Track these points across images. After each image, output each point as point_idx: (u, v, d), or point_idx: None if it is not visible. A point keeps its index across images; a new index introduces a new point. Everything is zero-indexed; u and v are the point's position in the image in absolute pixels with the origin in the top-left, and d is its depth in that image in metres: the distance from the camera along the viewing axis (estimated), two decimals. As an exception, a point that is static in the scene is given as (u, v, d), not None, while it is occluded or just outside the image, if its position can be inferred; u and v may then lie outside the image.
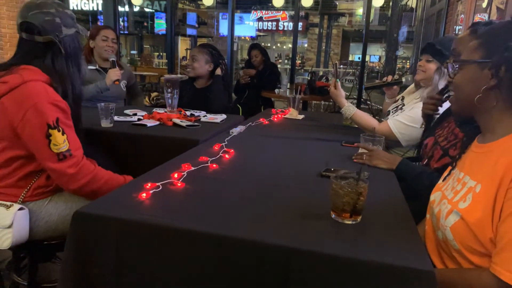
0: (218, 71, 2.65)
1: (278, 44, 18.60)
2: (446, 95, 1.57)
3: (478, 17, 4.71)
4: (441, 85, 1.82)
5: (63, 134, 1.29)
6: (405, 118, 1.85)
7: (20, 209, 1.29)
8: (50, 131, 1.26)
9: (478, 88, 0.94)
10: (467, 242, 0.88)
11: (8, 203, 1.29)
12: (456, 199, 0.96)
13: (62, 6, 1.39)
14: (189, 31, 12.99)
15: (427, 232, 1.10)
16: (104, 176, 1.40)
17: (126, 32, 13.90)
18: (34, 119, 1.24)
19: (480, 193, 0.89)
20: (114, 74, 2.44)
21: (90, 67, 2.57)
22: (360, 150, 1.50)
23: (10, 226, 1.25)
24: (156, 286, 0.91)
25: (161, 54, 14.46)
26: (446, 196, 1.01)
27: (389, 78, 2.19)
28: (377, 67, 13.91)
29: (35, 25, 1.33)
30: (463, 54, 1.02)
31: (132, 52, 15.72)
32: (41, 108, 1.25)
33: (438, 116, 1.62)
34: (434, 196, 1.09)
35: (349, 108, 2.01)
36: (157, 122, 1.97)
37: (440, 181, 1.12)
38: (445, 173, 1.11)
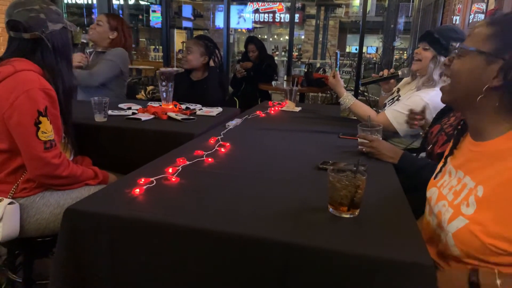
0: (212, 63, 2.63)
1: (275, 36, 18.48)
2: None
3: (475, 7, 4.68)
4: (436, 74, 1.80)
5: (50, 123, 1.30)
6: (403, 107, 1.83)
7: (10, 203, 1.28)
8: (41, 118, 1.27)
9: (478, 83, 0.85)
10: (470, 251, 0.83)
11: None
12: (457, 201, 0.89)
13: (46, 2, 1.40)
14: (185, 23, 12.90)
15: (424, 229, 1.05)
16: (78, 170, 1.43)
17: (121, 25, 13.75)
18: (25, 106, 1.25)
19: (489, 199, 0.81)
20: (75, 58, 2.38)
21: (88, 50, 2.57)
22: (360, 141, 1.48)
23: None
24: (151, 283, 0.89)
25: (157, 47, 14.36)
26: (444, 195, 0.95)
27: (385, 72, 2.17)
28: (374, 58, 13.84)
29: (21, 23, 1.34)
30: (470, 40, 0.90)
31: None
32: (33, 95, 1.26)
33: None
34: (430, 192, 1.03)
35: (348, 98, 1.99)
36: (152, 116, 1.94)
37: (434, 175, 1.06)
38: (438, 169, 1.05)
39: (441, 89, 1.00)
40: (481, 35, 0.87)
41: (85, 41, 2.47)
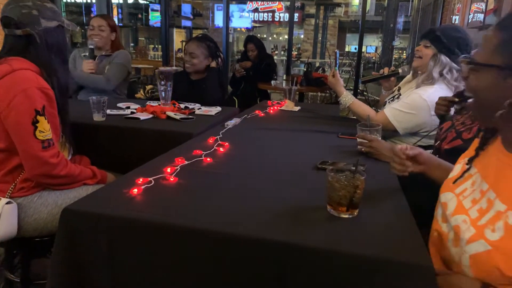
0: (214, 64, 2.63)
1: (274, 35, 18.47)
2: (460, 101, 1.43)
3: (474, 7, 4.67)
4: (435, 72, 1.80)
5: (48, 122, 1.30)
6: (402, 106, 1.83)
7: (8, 203, 1.27)
8: (38, 117, 1.26)
9: (501, 100, 0.76)
10: (484, 277, 0.76)
11: None
12: (481, 222, 0.79)
13: (40, 0, 1.39)
14: (184, 22, 12.85)
15: (433, 233, 0.96)
16: (76, 169, 1.42)
17: (120, 24, 13.74)
18: (22, 105, 1.24)
19: None
20: (85, 66, 2.43)
21: (83, 53, 2.56)
22: (359, 141, 1.47)
23: None
24: (150, 283, 0.89)
25: (157, 46, 14.33)
26: (465, 209, 0.85)
27: (386, 70, 2.17)
28: (374, 58, 13.84)
29: (13, 19, 1.33)
30: (480, 51, 0.82)
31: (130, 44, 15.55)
32: (31, 94, 1.25)
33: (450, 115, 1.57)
34: (446, 198, 0.93)
35: (347, 97, 1.99)
36: (151, 115, 1.94)
37: (451, 175, 0.98)
38: (458, 174, 0.94)
39: (467, 105, 0.93)
40: (490, 46, 0.78)
41: (92, 46, 2.47)
